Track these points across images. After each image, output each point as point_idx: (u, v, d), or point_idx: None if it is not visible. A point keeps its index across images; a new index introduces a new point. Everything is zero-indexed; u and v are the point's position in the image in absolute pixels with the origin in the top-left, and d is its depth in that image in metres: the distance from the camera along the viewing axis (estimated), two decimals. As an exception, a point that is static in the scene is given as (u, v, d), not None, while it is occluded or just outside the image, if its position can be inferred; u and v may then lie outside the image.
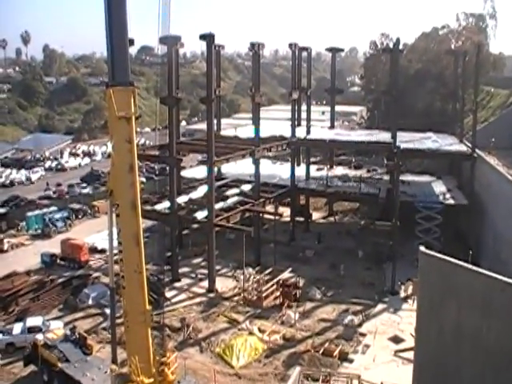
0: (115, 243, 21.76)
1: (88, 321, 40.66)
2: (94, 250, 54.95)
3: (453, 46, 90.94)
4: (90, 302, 43.04)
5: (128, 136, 20.65)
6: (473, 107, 57.25)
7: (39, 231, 62.65)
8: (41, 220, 63.21)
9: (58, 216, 63.74)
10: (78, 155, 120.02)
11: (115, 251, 22.09)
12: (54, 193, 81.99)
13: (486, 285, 19.61)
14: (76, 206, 70.40)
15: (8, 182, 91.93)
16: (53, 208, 67.29)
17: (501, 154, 51.84)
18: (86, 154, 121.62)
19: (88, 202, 72.67)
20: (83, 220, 68.28)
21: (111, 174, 21.24)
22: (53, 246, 55.50)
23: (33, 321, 38.17)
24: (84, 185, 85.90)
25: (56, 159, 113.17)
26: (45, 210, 66.49)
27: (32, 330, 36.79)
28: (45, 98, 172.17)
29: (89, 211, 70.04)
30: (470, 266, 20.78)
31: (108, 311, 36.38)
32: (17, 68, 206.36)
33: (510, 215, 41.61)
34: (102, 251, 53.31)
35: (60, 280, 47.03)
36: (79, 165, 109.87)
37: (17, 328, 37.43)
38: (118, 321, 25.00)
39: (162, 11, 24.08)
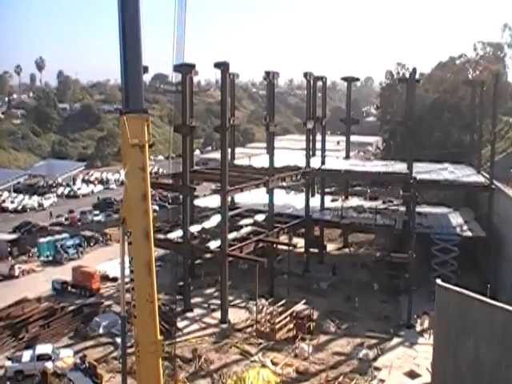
0: (127, 271, 21.75)
1: (98, 349, 40.53)
2: (105, 278, 54.97)
3: (470, 76, 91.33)
4: (101, 330, 42.97)
5: (141, 164, 20.73)
6: (491, 137, 57.10)
7: (50, 258, 62.97)
8: (52, 247, 63.54)
9: (69, 243, 64.09)
10: (90, 182, 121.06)
11: (127, 280, 22.07)
12: (66, 219, 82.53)
13: (506, 320, 19.41)
14: (88, 233, 70.64)
15: (20, 207, 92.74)
16: (65, 235, 67.70)
17: (519, 185, 51.53)
18: (99, 181, 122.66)
19: (100, 229, 73.02)
20: (95, 247, 68.49)
21: (124, 202, 21.29)
22: (64, 273, 55.63)
23: (42, 348, 38.12)
24: (96, 212, 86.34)
25: (68, 186, 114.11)
26: (57, 236, 66.90)
27: (41, 357, 36.75)
28: (58, 125, 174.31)
29: (101, 239, 70.26)
30: (488, 300, 20.62)
31: (119, 340, 36.24)
32: (31, 94, 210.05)
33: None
34: (114, 279, 53.42)
35: (71, 308, 47.04)
36: (92, 192, 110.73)
37: (26, 355, 37.40)
38: (129, 350, 24.91)
39: (177, 38, 24.45)
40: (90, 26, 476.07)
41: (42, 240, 65.25)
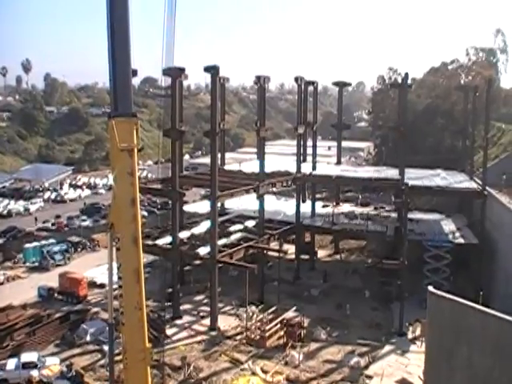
0: (115, 278, 21.66)
1: (85, 357, 40.29)
2: (93, 285, 54.72)
3: (462, 81, 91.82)
4: (88, 338, 42.74)
5: (130, 168, 20.66)
6: (483, 143, 57.31)
7: (37, 264, 62.58)
8: (39, 252, 63.16)
9: (56, 249, 63.73)
10: (78, 187, 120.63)
11: (115, 286, 21.97)
12: (53, 225, 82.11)
13: (499, 327, 19.45)
14: (75, 238, 70.22)
15: (5, 212, 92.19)
16: (51, 240, 67.34)
17: (513, 191, 51.78)
18: (87, 185, 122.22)
19: (88, 235, 72.69)
20: (82, 253, 68.15)
21: (112, 207, 21.21)
22: (50, 279, 55.32)
23: (28, 356, 37.84)
24: (84, 217, 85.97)
25: (55, 190, 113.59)
26: (43, 242, 66.52)
27: (27, 365, 36.49)
28: (45, 128, 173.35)
29: (88, 244, 69.96)
30: (481, 308, 20.65)
31: (106, 348, 36.04)
32: (17, 96, 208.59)
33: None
34: (102, 286, 53.17)
35: (57, 315, 46.77)
36: (79, 197, 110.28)
37: (11, 364, 37.11)
38: (117, 358, 24.75)
39: (167, 42, 24.38)
40: (78, 28, 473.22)
41: (27, 245, 64.88)
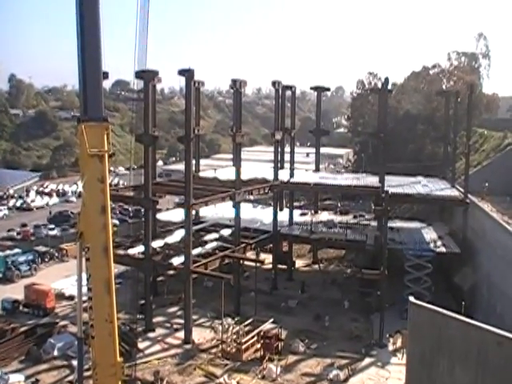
0: (84, 289, 21.49)
1: (53, 374, 39.77)
2: (61, 297, 54.17)
3: (444, 87, 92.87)
4: (56, 352, 42.13)
5: (100, 175, 20.59)
6: (465, 150, 57.99)
7: (0, 275, 61.58)
8: (3, 263, 62.16)
9: (22, 259, 62.85)
10: (45, 194, 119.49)
11: (84, 298, 21.80)
12: (19, 234, 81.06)
13: (482, 338, 19.64)
14: (42, 248, 69.42)
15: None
16: (16, 250, 66.32)
17: (495, 199, 52.42)
18: (55, 193, 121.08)
19: (56, 244, 71.94)
20: (50, 264, 67.44)
21: (82, 215, 21.09)
22: (15, 291, 54.57)
23: (-10, 373, 37.27)
24: (52, 226, 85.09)
25: (21, 198, 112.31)
26: (7, 252, 65.57)
27: (-11, 383, 35.92)
28: (10, 132, 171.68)
29: (56, 254, 69.25)
30: (463, 318, 20.85)
31: (75, 363, 35.66)
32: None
33: (506, 265, 41.82)
34: (70, 298, 52.67)
35: (22, 328, 46.10)
36: (47, 204, 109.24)
37: (-29, 381, 36.54)
38: (86, 374, 24.51)
39: (139, 43, 24.31)
40: (47, 26, 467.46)
41: (-10, 255, 63.96)
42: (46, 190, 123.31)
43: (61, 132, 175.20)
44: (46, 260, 67.76)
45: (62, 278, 57.36)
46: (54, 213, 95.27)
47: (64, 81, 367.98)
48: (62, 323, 48.17)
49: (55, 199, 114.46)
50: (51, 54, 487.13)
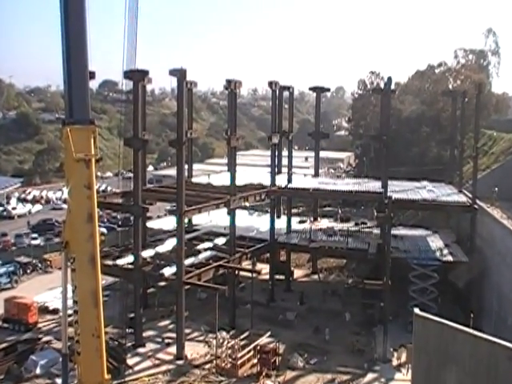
0: (70, 302, 21.45)
1: (35, 393, 39.64)
2: (44, 311, 53.85)
3: (450, 86, 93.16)
4: (38, 370, 41.89)
5: (87, 181, 20.59)
6: (473, 153, 57.86)
7: (-22, 288, 61.50)
8: (-19, 275, 62.11)
9: (2, 270, 62.59)
10: (28, 201, 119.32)
11: (70, 312, 21.75)
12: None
13: (492, 353, 19.60)
14: (24, 259, 69.19)
15: None
16: (-4, 261, 66.32)
17: (505, 205, 52.43)
18: (38, 199, 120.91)
19: (39, 254, 71.68)
20: (32, 275, 67.21)
21: (67, 224, 21.08)
22: (-5, 305, 54.44)
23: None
24: (34, 235, 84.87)
25: (1, 205, 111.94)
26: (-14, 263, 65.46)
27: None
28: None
29: (39, 265, 68.99)
30: (472, 331, 20.82)
31: (59, 382, 35.54)
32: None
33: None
34: (54, 312, 52.53)
35: (2, 345, 45.81)
36: (29, 212, 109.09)
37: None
38: (71, 392, 24.46)
39: (128, 42, 24.33)
40: (28, 23, 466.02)
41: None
42: (29, 197, 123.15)
43: (44, 135, 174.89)
44: (28, 271, 67.48)
45: (45, 291, 57.23)
46: (38, 221, 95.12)
47: (48, 81, 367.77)
48: (46, 339, 47.89)
49: (38, 206, 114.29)
50: (34, 52, 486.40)
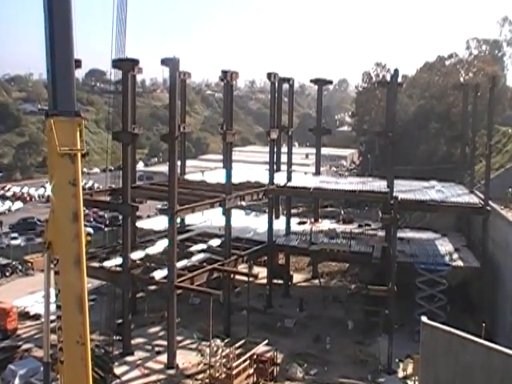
0: (53, 307, 21.34)
1: (14, 405, 39.58)
2: (24, 316, 53.82)
3: (462, 79, 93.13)
4: (17, 381, 41.64)
5: (72, 177, 20.40)
6: (486, 151, 57.62)
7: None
8: (-44, 278, 62.12)
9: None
10: (7, 198, 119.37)
11: (52, 317, 21.63)
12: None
13: (505, 365, 19.54)
14: (3, 260, 69.27)
15: None
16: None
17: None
18: (18, 197, 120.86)
19: (19, 256, 71.70)
20: (12, 278, 67.17)
21: (50, 223, 20.91)
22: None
23: None
24: (14, 235, 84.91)
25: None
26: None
27: None
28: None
29: (20, 267, 68.98)
30: (483, 342, 20.76)
31: (41, 392, 35.46)
32: None
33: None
34: (36, 317, 52.47)
35: (-22, 354, 45.82)
36: (9, 210, 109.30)
37: None
38: (54, 404, 24.36)
39: (117, 28, 24.18)
40: (8, 7, 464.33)
41: None
42: (8, 194, 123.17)
43: (25, 127, 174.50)
44: (8, 274, 67.47)
45: (26, 295, 57.19)
46: (18, 219, 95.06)
47: (29, 69, 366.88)
48: (26, 346, 47.83)
49: (19, 204, 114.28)
50: (14, 38, 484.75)
